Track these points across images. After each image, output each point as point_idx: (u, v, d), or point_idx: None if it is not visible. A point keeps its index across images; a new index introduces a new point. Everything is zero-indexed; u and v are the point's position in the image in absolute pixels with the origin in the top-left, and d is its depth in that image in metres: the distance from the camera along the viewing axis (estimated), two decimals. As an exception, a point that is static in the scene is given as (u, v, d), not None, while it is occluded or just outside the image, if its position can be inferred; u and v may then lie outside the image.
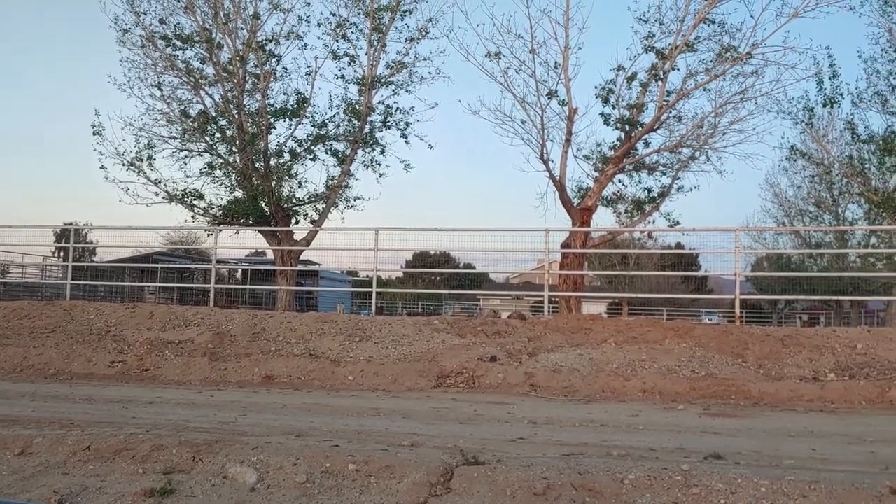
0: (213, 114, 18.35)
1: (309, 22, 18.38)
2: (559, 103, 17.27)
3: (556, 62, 17.11)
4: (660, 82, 16.82)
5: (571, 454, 5.07)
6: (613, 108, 17.06)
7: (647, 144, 17.65)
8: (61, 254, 32.31)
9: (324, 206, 19.03)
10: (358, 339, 10.89)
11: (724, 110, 16.84)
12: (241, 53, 18.12)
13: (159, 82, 18.11)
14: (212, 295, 16.10)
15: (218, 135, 18.47)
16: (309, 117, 18.55)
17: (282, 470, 4.61)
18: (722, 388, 8.61)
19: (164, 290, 29.59)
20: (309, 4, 18.22)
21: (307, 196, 19.13)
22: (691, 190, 18.08)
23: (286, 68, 18.67)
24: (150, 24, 17.97)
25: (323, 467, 4.61)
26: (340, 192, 18.99)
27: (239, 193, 18.68)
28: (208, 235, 20.64)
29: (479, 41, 22.55)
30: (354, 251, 16.36)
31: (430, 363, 9.81)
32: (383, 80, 18.53)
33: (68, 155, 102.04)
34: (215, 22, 18.06)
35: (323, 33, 18.40)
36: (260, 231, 18.50)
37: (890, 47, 17.68)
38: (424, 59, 18.50)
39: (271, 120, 18.33)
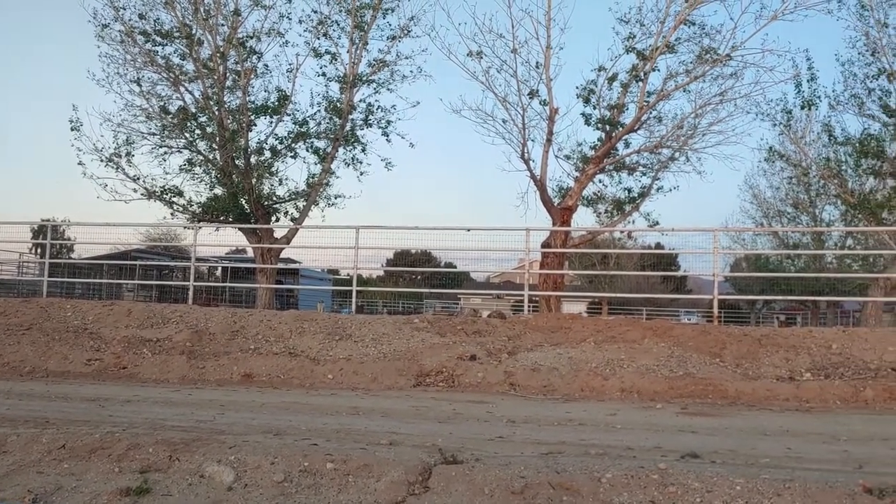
0: (193, 110, 18.23)
1: (290, 19, 18.34)
2: (540, 103, 17.34)
3: (537, 62, 17.16)
4: (640, 83, 16.91)
5: (550, 453, 5.09)
6: (594, 108, 17.14)
7: (627, 145, 17.76)
8: (38, 250, 32.01)
9: (304, 203, 18.97)
10: (338, 338, 10.87)
11: (703, 111, 16.98)
12: (221, 50, 18.00)
13: (138, 78, 17.99)
14: (191, 293, 16.00)
15: (198, 131, 18.34)
16: (290, 115, 18.49)
17: (259, 469, 4.59)
18: (700, 388, 8.68)
19: (143, 288, 29.35)
20: (290, 1, 18.20)
21: (288, 194, 19.07)
22: (671, 190, 18.22)
23: (267, 65, 18.60)
24: (130, 20, 17.82)
25: (301, 466, 4.60)
26: (321, 190, 18.94)
27: (219, 191, 18.57)
28: (186, 230, 20.49)
29: (461, 40, 22.54)
30: (335, 249, 16.33)
31: (410, 362, 9.81)
32: (365, 78, 18.49)
33: (46, 150, 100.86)
34: (195, 18, 17.93)
35: (304, 30, 18.33)
36: (240, 229, 18.39)
37: (867, 50, 17.87)
38: (406, 58, 18.50)
39: (252, 117, 18.23)
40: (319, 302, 32.70)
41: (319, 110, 18.49)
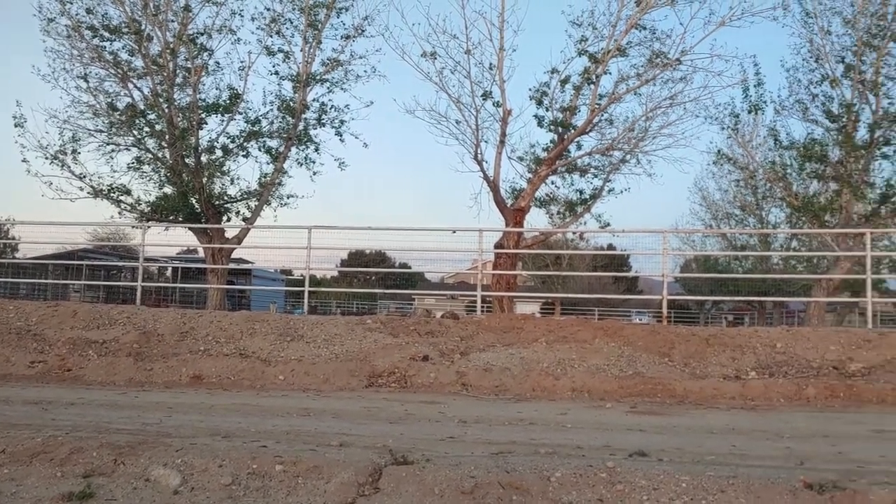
0: (142, 107, 17.88)
1: (242, 16, 18.14)
2: (494, 104, 17.42)
3: (490, 63, 17.24)
4: (592, 86, 17.10)
5: (500, 453, 5.11)
6: (547, 110, 17.28)
7: (579, 147, 17.93)
8: (-20, 250, 31.09)
9: (256, 203, 18.76)
10: (289, 339, 10.78)
11: (654, 114, 17.24)
12: (171, 46, 17.71)
13: (85, 74, 17.60)
14: (139, 293, 15.70)
15: (147, 129, 18.00)
16: (242, 113, 18.26)
17: (207, 472, 4.52)
18: (649, 387, 8.81)
19: (90, 289, 28.71)
20: (243, -2, 17.98)
21: (239, 193, 18.83)
22: (622, 192, 18.45)
23: (218, 63, 18.34)
24: (77, 14, 17.43)
25: (249, 468, 4.55)
26: (273, 189, 18.75)
27: (168, 189, 18.27)
28: (135, 229, 20.12)
29: (415, 40, 22.54)
30: (288, 250, 16.17)
31: (362, 363, 9.78)
32: (318, 78, 18.36)
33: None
34: (145, 13, 17.62)
35: (257, 28, 18.12)
36: (190, 228, 18.11)
37: (811, 57, 18.34)
38: (360, 58, 18.41)
39: (202, 115, 17.97)
40: (272, 303, 32.44)
41: (272, 109, 18.32)
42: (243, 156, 18.50)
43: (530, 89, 17.40)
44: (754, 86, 18.45)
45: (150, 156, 18.19)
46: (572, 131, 17.20)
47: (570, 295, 37.72)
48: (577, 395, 8.73)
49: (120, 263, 31.34)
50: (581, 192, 18.41)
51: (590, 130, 17.47)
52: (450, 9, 56.03)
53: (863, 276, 13.71)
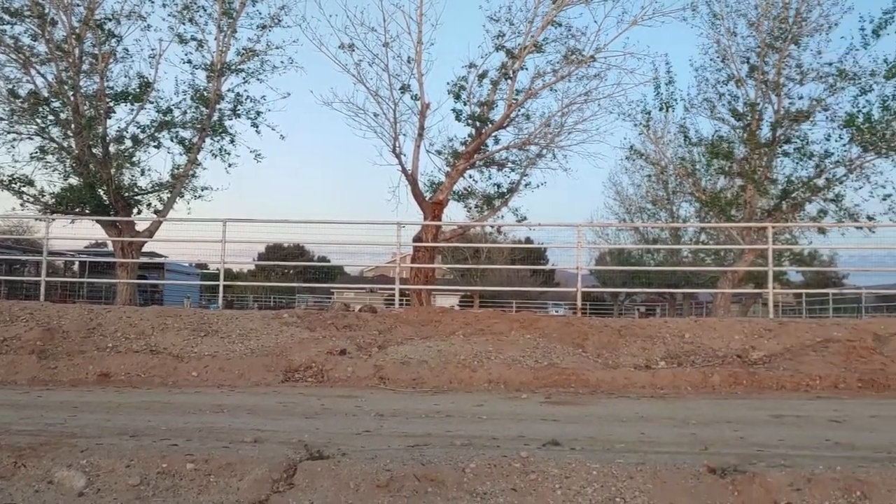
0: (46, 95, 17.16)
1: (153, 2, 17.61)
2: (412, 98, 17.44)
3: (409, 57, 17.25)
4: (509, 81, 17.31)
5: (416, 445, 5.13)
6: (465, 104, 17.42)
7: (496, 141, 18.14)
8: None
9: (168, 195, 18.26)
10: (203, 334, 10.53)
11: (569, 110, 17.61)
12: (77, 31, 17.03)
13: (-17, 59, 16.76)
14: (42, 288, 15.06)
15: (51, 117, 17.29)
16: (153, 102, 17.78)
17: (114, 472, 4.39)
18: (563, 377, 8.99)
19: (-10, 284, 27.38)
20: (153, -17, 17.43)
21: (150, 185, 18.32)
22: (538, 186, 18.82)
23: (127, 50, 17.79)
24: (-27, -4, 16.59)
25: (159, 468, 4.43)
26: (186, 181, 18.30)
27: (74, 180, 17.61)
28: (39, 221, 19.31)
29: (333, 32, 22.37)
30: (202, 243, 15.78)
31: (279, 357, 9.65)
32: (233, 67, 18.01)
33: None
34: (49, -4, 16.90)
35: (168, 15, 17.66)
36: (98, 221, 17.49)
37: (718, 57, 19.04)
38: (277, 48, 18.18)
39: (111, 103, 17.38)
40: (186, 297, 31.61)
41: (185, 99, 17.90)
42: (154, 146, 18.03)
43: (448, 83, 17.52)
44: (665, 84, 19.08)
45: (54, 145, 17.50)
46: (490, 126, 17.37)
47: (488, 288, 38.12)
48: (493, 386, 8.83)
49: (23, 257, 29.99)
50: (498, 185, 18.65)
51: (507, 125, 17.69)
52: (368, 1, 55.70)
53: (765, 269, 14.31)
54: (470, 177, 18.62)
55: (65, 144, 17.49)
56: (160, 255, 24.49)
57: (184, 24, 17.64)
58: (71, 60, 17.01)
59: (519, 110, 17.56)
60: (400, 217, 19.39)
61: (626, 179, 36.68)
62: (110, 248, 22.31)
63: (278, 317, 11.49)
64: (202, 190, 18.63)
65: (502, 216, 18.95)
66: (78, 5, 17.22)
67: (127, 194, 17.91)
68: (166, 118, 17.72)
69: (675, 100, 19.34)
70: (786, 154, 18.45)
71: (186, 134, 18.08)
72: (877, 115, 16.77)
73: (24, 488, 4.29)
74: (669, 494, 4.16)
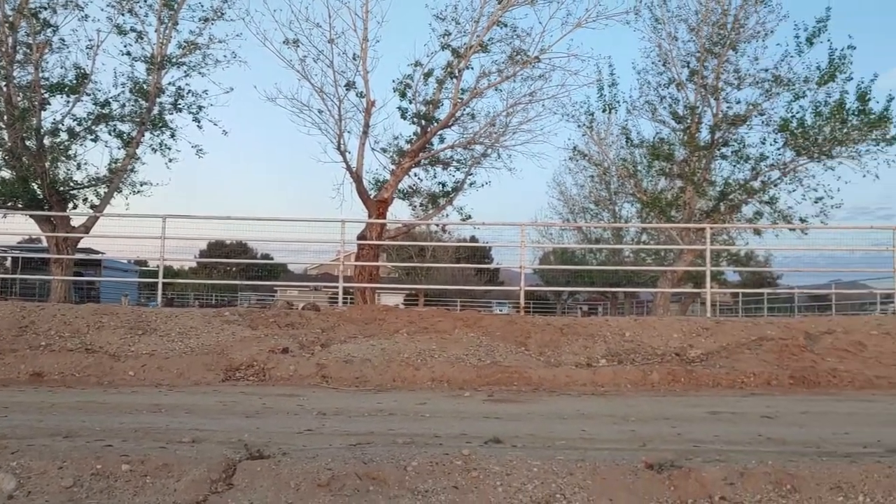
0: (-24, 85, 16.58)
1: (91, -9, 17.12)
2: (357, 95, 17.38)
3: (354, 53, 17.17)
4: (455, 80, 17.38)
5: (358, 444, 5.11)
6: (410, 102, 17.41)
7: (442, 140, 18.19)
8: None
9: (106, 190, 17.81)
10: (141, 332, 10.31)
11: (514, 110, 17.75)
12: (10, 20, 16.48)
13: None
14: (-29, 285, 14.56)
15: (-19, 108, 16.71)
16: (90, 94, 17.32)
17: (45, 474, 4.26)
18: (506, 375, 9.05)
19: (-85, 281, 26.30)
20: (91, -27, 16.98)
21: (87, 179, 17.84)
22: (483, 185, 18.89)
23: (64, 40, 17.27)
24: None
25: (93, 469, 4.32)
26: (125, 176, 17.87)
27: (6, 174, 17.09)
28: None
29: (277, 27, 22.08)
30: (142, 240, 15.41)
31: (219, 356, 9.50)
32: (174, 61, 17.65)
33: None
34: (-21, -17, 16.32)
35: (107, 5, 17.20)
36: (31, 216, 16.95)
37: (659, 61, 19.40)
38: (220, 42, 17.90)
39: (46, 95, 16.88)
40: (124, 295, 30.87)
41: (124, 91, 17.48)
42: (92, 140, 17.58)
43: (394, 81, 17.49)
44: (608, 86, 19.36)
45: (-15, 138, 16.89)
46: (435, 124, 17.40)
47: (433, 286, 38.16)
48: (436, 384, 8.85)
49: (-49, 253, 28.93)
50: (443, 184, 18.70)
51: (452, 124, 17.74)
52: (314, -4, 55.10)
53: (703, 269, 14.65)
54: (415, 175, 18.64)
55: (-4, 136, 16.92)
56: (97, 252, 23.85)
57: (123, 14, 17.26)
58: (3, 50, 16.46)
59: (464, 109, 17.64)
60: (344, 215, 19.23)
61: (569, 180, 37.11)
62: (45, 243, 21.66)
63: (219, 315, 11.32)
64: (141, 185, 18.25)
65: (447, 215, 19.02)
66: (12, -8, 16.69)
67: (62, 188, 17.42)
68: (104, 111, 17.28)
69: (618, 102, 19.65)
70: (724, 157, 18.90)
71: (125, 127, 17.69)
72: (809, 121, 17.31)
73: (-50, 492, 4.14)
74: (608, 490, 4.23)
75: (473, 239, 38.38)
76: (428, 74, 17.22)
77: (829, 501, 4.18)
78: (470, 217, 18.39)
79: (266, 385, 8.77)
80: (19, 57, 16.88)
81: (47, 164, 16.79)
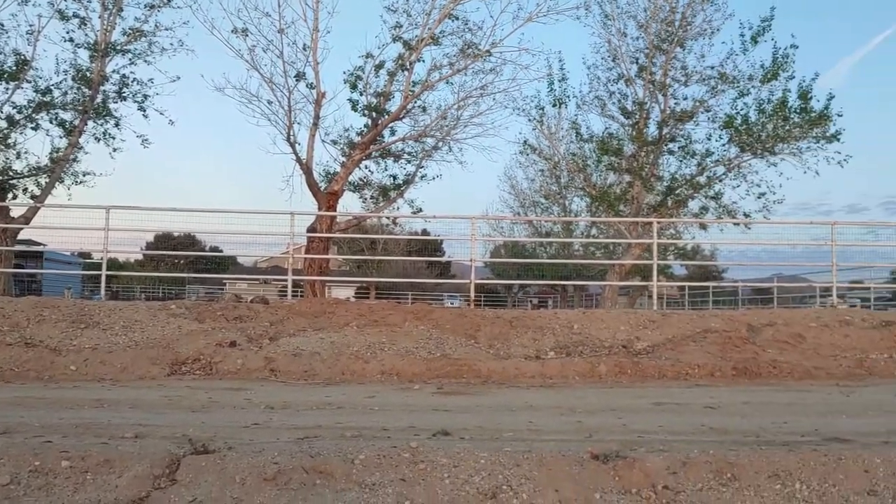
0: None
1: (32, -25, 16.61)
2: (307, 86, 17.22)
3: (305, 44, 17.03)
4: (406, 72, 17.32)
5: (306, 437, 5.08)
6: (361, 94, 17.33)
7: (393, 132, 18.14)
8: None
9: (47, 180, 17.33)
10: (83, 326, 10.07)
11: (465, 104, 17.80)
12: (-55, 3, 15.93)
13: None
14: None
15: (-85, 94, 16.11)
16: (30, 81, 16.80)
17: (-20, 472, 4.15)
18: (455, 368, 9.07)
19: None
20: (31, -45, 16.46)
21: (27, 169, 17.32)
22: (434, 178, 18.92)
23: (2, 25, 16.75)
24: None
25: (31, 466, 4.21)
26: (67, 165, 17.41)
27: (-58, 162, 16.47)
28: None
29: (226, 15, 21.80)
30: (85, 231, 15.03)
31: (165, 350, 9.33)
32: (119, 48, 17.24)
33: None
34: (-89, -36, 15.72)
35: (49, -11, 16.69)
36: (-33, 206, 16.44)
37: (609, 56, 19.64)
38: (166, 29, 17.52)
39: (-17, 81, 16.33)
40: (67, 288, 30.14)
41: (66, 79, 17.01)
42: (32, 128, 17.07)
43: (345, 73, 17.40)
44: (559, 80, 19.55)
45: (-82, 124, 16.30)
46: (386, 117, 17.35)
47: (383, 279, 38.04)
48: (386, 377, 8.83)
49: None
50: (394, 177, 18.67)
51: (403, 116, 17.71)
52: (264, -16, 54.28)
53: (651, 262, 14.88)
54: (366, 167, 18.59)
55: (-69, 123, 16.35)
56: (38, 244, 23.21)
57: (65, 0, 16.78)
58: (-62, 34, 15.92)
59: (415, 102, 17.62)
60: (294, 207, 19.03)
61: (520, 174, 37.40)
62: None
63: (165, 308, 11.13)
64: (84, 175, 17.78)
65: (398, 207, 18.99)
66: (-54, -25, 16.12)
67: (1, 178, 16.90)
68: (45, 98, 16.81)
69: (568, 97, 19.86)
70: (671, 152, 19.24)
71: (67, 116, 17.22)
72: (753, 118, 17.71)
73: None
74: (554, 481, 4.28)
75: (425, 232, 38.41)
76: (379, 66, 17.16)
77: (767, 489, 4.29)
78: (421, 210, 18.40)
79: (213, 379, 8.65)
80: (-45, 42, 16.34)
81: (-15, 153, 16.30)
